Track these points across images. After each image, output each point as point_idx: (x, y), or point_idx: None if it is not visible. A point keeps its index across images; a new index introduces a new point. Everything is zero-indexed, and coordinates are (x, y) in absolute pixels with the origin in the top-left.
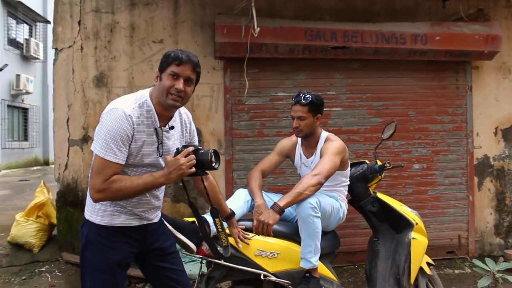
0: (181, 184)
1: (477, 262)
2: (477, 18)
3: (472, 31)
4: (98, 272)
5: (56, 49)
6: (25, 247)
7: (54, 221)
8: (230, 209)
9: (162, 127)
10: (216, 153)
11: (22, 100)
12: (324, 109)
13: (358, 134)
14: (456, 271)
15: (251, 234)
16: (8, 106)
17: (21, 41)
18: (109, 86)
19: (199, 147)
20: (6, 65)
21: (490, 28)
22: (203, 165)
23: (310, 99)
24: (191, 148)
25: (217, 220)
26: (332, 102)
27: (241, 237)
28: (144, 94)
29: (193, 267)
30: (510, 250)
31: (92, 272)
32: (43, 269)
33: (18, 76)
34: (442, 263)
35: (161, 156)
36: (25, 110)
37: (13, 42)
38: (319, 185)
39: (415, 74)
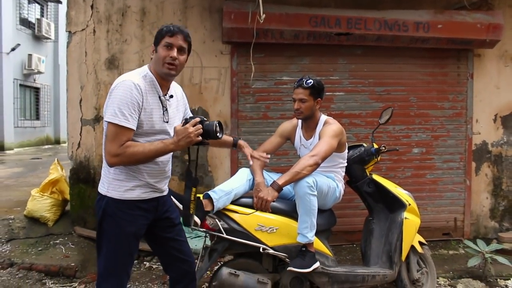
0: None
1: (468, 243)
2: (480, 7)
3: (474, 19)
4: (114, 242)
5: (69, 32)
6: (40, 221)
7: (68, 196)
8: (232, 136)
9: (164, 96)
10: (220, 124)
11: (34, 80)
12: (327, 93)
13: (360, 118)
14: (451, 252)
15: (251, 210)
16: (20, 85)
17: (33, 21)
18: (120, 68)
19: (204, 118)
20: (19, 44)
21: (492, 17)
22: (208, 134)
23: (311, 83)
24: (198, 119)
25: (194, 189)
26: (335, 86)
27: (255, 155)
28: (144, 68)
29: (198, 242)
30: (504, 233)
31: (109, 242)
32: (58, 241)
33: (30, 55)
34: (437, 244)
35: (167, 122)
36: (36, 90)
37: (25, 22)
38: (316, 165)
39: (417, 61)
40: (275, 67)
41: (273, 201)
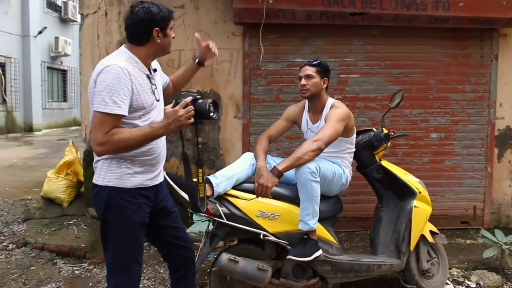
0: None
1: (485, 233)
2: None
3: None
4: (122, 234)
5: (82, 14)
6: (55, 202)
7: (82, 178)
8: (191, 59)
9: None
10: (214, 103)
11: (61, 62)
12: (342, 75)
13: (375, 102)
14: (468, 241)
15: (252, 196)
16: (48, 68)
17: (59, 4)
18: None
19: (197, 96)
20: (45, 27)
21: None
22: (201, 115)
23: (318, 61)
24: (189, 99)
25: (200, 170)
26: (350, 68)
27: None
28: (122, 50)
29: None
30: None
31: (116, 234)
32: (71, 222)
33: (56, 38)
34: (455, 233)
35: (158, 101)
36: (64, 72)
37: (51, 5)
38: (319, 150)
39: (436, 41)
40: (288, 48)
41: (276, 187)
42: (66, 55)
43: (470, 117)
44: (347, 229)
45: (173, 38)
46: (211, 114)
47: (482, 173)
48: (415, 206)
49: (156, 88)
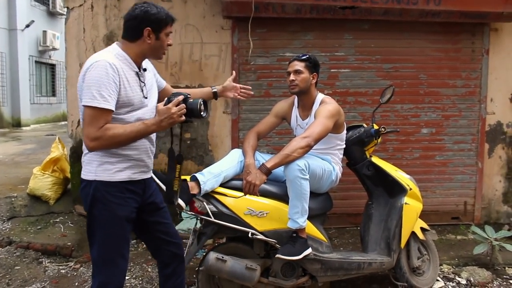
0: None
1: (475, 229)
2: None
3: None
4: (108, 228)
5: (67, 8)
6: (42, 199)
7: (69, 175)
8: (210, 87)
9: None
10: (204, 103)
11: (49, 56)
12: (332, 70)
13: (366, 97)
14: (459, 237)
15: (240, 194)
16: (36, 62)
17: None
18: None
19: (188, 95)
20: (33, 21)
21: None
22: (192, 113)
23: (307, 56)
24: (181, 97)
25: (178, 166)
26: (340, 63)
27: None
28: (113, 47)
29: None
30: None
31: (102, 228)
32: (57, 220)
33: (44, 32)
34: (445, 229)
35: (146, 98)
36: (52, 66)
37: None
38: (308, 147)
39: (428, 36)
40: (278, 43)
41: (265, 184)
42: (54, 49)
43: (461, 112)
44: (337, 226)
45: (169, 45)
46: (202, 113)
47: (472, 169)
48: (405, 203)
49: (144, 85)
